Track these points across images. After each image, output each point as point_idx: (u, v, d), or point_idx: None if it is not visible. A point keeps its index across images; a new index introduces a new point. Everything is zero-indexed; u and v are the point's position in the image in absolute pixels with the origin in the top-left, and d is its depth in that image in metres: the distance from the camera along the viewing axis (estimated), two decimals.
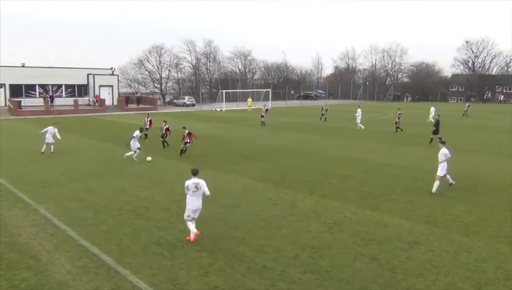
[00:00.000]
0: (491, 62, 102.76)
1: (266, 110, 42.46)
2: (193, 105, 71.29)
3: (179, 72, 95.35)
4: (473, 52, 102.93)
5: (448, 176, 15.81)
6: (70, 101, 60.30)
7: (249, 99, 66.19)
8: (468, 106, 54.72)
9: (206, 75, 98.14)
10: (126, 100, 65.32)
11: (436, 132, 27.12)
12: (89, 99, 65.37)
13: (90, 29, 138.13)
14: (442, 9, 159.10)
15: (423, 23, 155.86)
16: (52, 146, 23.84)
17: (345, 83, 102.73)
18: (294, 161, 21.54)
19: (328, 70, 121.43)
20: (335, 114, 50.66)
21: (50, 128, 24.22)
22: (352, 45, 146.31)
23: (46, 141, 23.83)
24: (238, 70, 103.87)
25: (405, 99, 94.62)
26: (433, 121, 40.51)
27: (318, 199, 14.52)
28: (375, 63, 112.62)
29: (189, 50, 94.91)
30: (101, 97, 63.34)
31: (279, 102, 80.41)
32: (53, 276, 8.81)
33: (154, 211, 13.24)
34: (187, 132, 22.78)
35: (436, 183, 15.30)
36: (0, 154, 22.86)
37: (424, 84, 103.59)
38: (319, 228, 11.73)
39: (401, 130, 33.96)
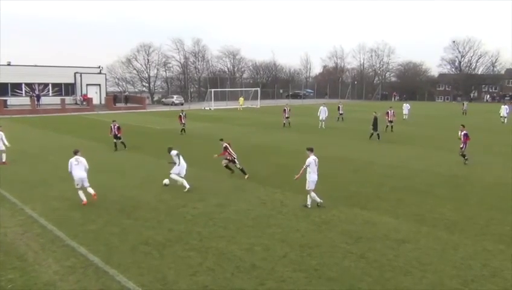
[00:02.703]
0: (477, 62, 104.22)
1: (289, 110, 38.86)
2: (182, 104, 70.91)
3: (167, 71, 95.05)
4: (459, 51, 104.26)
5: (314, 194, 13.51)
6: (57, 100, 59.74)
7: (241, 98, 66.09)
8: (466, 104, 55.64)
9: (195, 74, 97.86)
10: (114, 99, 64.86)
11: (375, 129, 28.96)
12: (76, 98, 64.74)
13: (78, 27, 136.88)
14: (429, 9, 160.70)
15: (411, 23, 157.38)
16: (3, 154, 20.93)
17: (333, 82, 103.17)
18: (283, 160, 21.57)
19: (316, 69, 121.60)
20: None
21: None
22: (340, 44, 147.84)
23: None
24: (226, 70, 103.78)
25: (393, 99, 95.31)
26: (406, 118, 41.62)
27: (306, 197, 14.53)
28: (363, 62, 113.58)
29: (178, 49, 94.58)
30: (89, 96, 62.79)
31: (268, 101, 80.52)
32: (40, 276, 8.71)
33: (142, 210, 13.16)
34: (117, 125, 23.71)
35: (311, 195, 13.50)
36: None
37: (411, 84, 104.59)
38: (308, 226, 11.76)
39: (392, 129, 33.94)
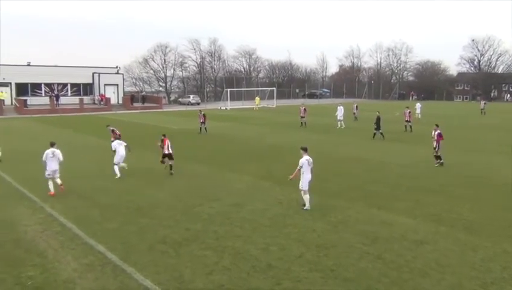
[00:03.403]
0: (497, 60, 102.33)
1: (304, 109, 38.53)
2: (198, 104, 71.30)
3: (183, 71, 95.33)
4: (478, 50, 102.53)
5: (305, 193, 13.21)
6: (75, 99, 60.60)
7: (257, 98, 66.11)
8: (485, 103, 54.88)
9: (211, 74, 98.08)
10: (131, 99, 65.49)
11: (378, 128, 29.25)
12: (94, 98, 65.57)
13: (95, 28, 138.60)
14: (447, 7, 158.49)
15: (429, 22, 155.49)
16: None
17: (349, 81, 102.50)
18: (298, 159, 21.46)
19: (332, 69, 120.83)
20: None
21: None
22: (357, 43, 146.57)
23: None
24: (242, 69, 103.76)
25: (410, 98, 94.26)
26: (420, 117, 41.25)
27: (323, 197, 14.49)
28: (381, 62, 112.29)
29: (194, 49, 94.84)
30: (106, 96, 63.55)
31: (284, 100, 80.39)
32: (59, 273, 8.85)
33: (158, 209, 13.27)
34: (112, 129, 23.30)
35: (306, 197, 13.27)
36: (6, 153, 22.94)
37: (429, 83, 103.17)
38: (324, 226, 11.71)
39: (411, 129, 33.67)
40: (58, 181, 15.05)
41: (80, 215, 12.62)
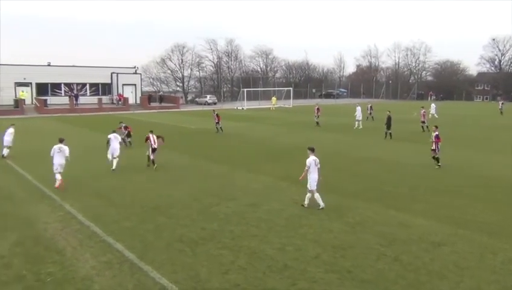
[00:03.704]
0: None
1: (318, 109, 38.98)
2: (215, 103, 71.57)
3: (200, 71, 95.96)
4: (499, 49, 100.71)
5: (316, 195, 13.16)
6: (94, 99, 61.37)
7: (274, 98, 66.05)
8: (502, 103, 54.25)
9: (228, 74, 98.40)
10: (149, 99, 66.08)
11: (388, 127, 29.50)
12: (112, 98, 66.34)
13: (113, 28, 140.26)
14: (467, 6, 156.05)
15: (448, 21, 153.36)
16: (7, 150, 22.34)
17: (367, 81, 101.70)
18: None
19: (350, 68, 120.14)
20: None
21: (11, 129, 22.59)
22: (375, 43, 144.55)
23: (6, 145, 22.20)
24: (259, 69, 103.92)
25: (429, 98, 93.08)
26: (436, 116, 40.84)
27: (340, 198, 14.41)
28: (399, 61, 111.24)
29: (211, 49, 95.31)
30: (124, 96, 64.21)
31: (301, 100, 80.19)
32: (78, 271, 8.97)
33: (175, 208, 13.35)
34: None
35: (308, 196, 13.33)
36: (27, 152, 23.37)
37: (448, 83, 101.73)
38: (341, 227, 11.64)
39: (428, 128, 33.31)
40: (58, 177, 15.74)
41: (97, 214, 12.78)
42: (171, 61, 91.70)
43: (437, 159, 19.55)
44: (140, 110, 59.81)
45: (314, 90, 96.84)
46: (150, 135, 19.91)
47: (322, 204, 13.12)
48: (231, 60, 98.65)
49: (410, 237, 10.86)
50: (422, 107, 35.45)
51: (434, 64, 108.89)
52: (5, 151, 21.95)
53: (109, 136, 19.43)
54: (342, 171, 18.96)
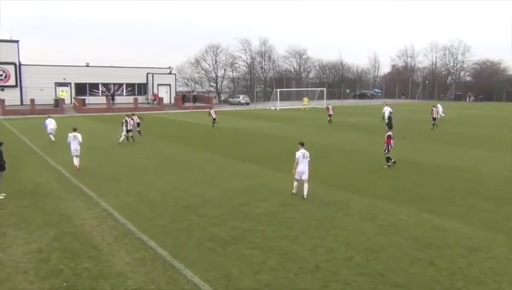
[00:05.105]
0: None
1: (327, 108, 42.51)
2: (247, 104, 71.87)
3: (234, 71, 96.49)
4: None
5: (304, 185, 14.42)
6: (130, 99, 62.69)
7: (305, 98, 65.73)
8: None
9: (261, 74, 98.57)
10: (183, 98, 66.95)
11: (390, 126, 28.47)
12: (147, 98, 67.61)
13: (148, 29, 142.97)
14: (508, 4, 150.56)
15: (488, 20, 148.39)
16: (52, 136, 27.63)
17: (402, 82, 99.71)
18: (345, 160, 21.23)
19: (385, 68, 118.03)
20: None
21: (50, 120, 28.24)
22: (411, 42, 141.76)
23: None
24: (292, 69, 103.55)
25: (467, 99, 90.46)
26: (443, 115, 42.60)
27: (371, 200, 14.20)
28: (436, 61, 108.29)
29: (245, 49, 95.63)
30: (159, 95, 65.33)
31: (335, 101, 79.26)
32: (113, 267, 9.20)
33: (207, 207, 13.48)
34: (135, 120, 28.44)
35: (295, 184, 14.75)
36: (65, 150, 24.08)
37: (488, 84, 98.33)
38: (374, 230, 11.47)
39: (437, 126, 35.18)
40: (76, 161, 18.66)
41: (132, 211, 13.05)
42: (205, 61, 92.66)
43: (387, 159, 19.66)
44: (174, 110, 60.69)
45: (348, 91, 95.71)
46: (129, 120, 26.83)
47: (294, 191, 14.72)
48: (264, 61, 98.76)
49: (444, 241, 10.59)
50: (433, 106, 37.72)
51: (473, 64, 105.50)
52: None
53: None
54: (374, 172, 18.67)
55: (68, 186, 16.38)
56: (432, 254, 9.84)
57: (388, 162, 19.65)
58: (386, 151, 19.66)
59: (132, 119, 28.09)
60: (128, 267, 9.14)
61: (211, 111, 39.36)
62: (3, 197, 14.32)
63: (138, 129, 29.04)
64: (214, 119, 38.02)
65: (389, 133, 19.68)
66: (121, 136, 27.31)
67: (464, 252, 9.96)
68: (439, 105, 45.29)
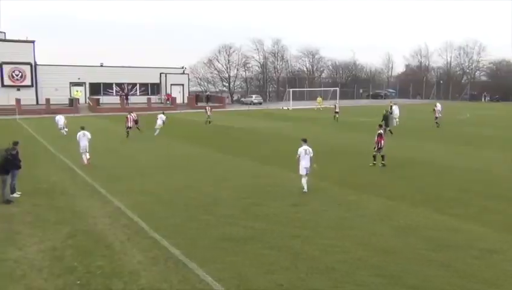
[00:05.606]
0: None
1: (335, 105, 45.08)
2: (260, 103, 71.82)
3: (246, 71, 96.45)
4: None
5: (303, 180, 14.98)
6: (143, 99, 63.04)
7: (319, 98, 65.41)
8: None
9: (274, 74, 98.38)
10: (196, 98, 67.12)
11: (386, 125, 29.93)
12: (160, 98, 67.95)
13: (162, 30, 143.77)
14: None
15: (503, 19, 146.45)
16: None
17: (416, 81, 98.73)
18: (359, 160, 21.05)
19: (399, 68, 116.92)
20: (403, 114, 48.77)
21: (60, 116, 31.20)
22: (425, 42, 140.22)
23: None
24: (305, 69, 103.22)
25: (483, 99, 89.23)
26: (441, 115, 40.98)
27: (385, 200, 14.07)
28: (450, 61, 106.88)
29: (257, 49, 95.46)
30: (172, 95, 65.59)
31: (348, 101, 78.91)
32: (125, 265, 9.24)
33: (219, 207, 13.48)
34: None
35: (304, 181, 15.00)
36: (78, 149, 24.29)
37: (504, 83, 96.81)
38: (387, 230, 11.36)
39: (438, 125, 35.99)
40: (87, 156, 19.82)
41: (145, 210, 13.10)
42: (218, 61, 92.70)
43: (374, 157, 19.63)
44: (187, 110, 60.87)
45: (361, 91, 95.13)
46: (129, 117, 28.76)
47: (305, 189, 14.74)
48: (277, 60, 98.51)
49: (459, 243, 10.44)
50: (435, 105, 38.84)
51: (489, 63, 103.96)
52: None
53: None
54: (387, 173, 18.51)
55: (82, 185, 16.53)
56: (447, 255, 9.70)
57: (374, 161, 19.61)
58: (376, 149, 19.62)
59: (131, 116, 30.06)
60: (140, 266, 9.17)
61: (207, 108, 41.67)
62: (18, 196, 14.50)
63: (137, 126, 30.73)
64: (209, 117, 39.63)
65: (380, 131, 19.66)
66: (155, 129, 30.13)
67: (479, 254, 9.80)
68: (438, 104, 45.23)
